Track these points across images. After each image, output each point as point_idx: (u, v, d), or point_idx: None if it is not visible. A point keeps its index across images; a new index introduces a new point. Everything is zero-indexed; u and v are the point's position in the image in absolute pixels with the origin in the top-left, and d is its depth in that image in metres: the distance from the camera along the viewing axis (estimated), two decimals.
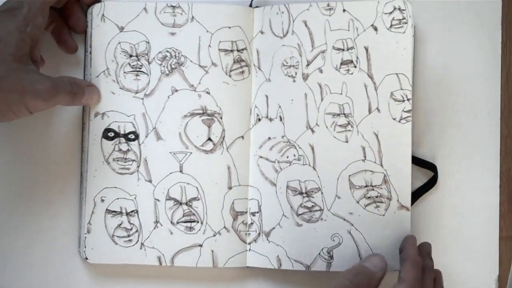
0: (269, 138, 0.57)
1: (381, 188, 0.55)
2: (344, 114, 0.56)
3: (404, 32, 0.55)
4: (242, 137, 0.57)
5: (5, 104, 0.49)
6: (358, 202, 0.55)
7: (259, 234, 0.57)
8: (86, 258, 0.56)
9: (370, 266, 0.50)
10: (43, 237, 0.58)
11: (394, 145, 0.55)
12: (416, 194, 0.58)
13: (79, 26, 0.57)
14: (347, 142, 0.56)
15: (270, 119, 0.57)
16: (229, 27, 0.57)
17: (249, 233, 0.57)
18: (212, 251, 0.56)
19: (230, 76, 0.57)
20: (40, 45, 0.53)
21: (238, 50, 0.57)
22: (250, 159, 0.58)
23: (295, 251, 0.56)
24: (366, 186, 0.55)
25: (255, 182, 0.57)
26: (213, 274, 0.59)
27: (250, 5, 0.58)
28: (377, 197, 0.55)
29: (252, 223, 0.57)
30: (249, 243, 0.57)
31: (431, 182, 0.59)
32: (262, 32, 0.58)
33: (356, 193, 0.55)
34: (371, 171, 0.55)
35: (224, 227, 0.57)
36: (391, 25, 0.55)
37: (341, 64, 0.56)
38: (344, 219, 0.55)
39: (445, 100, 0.59)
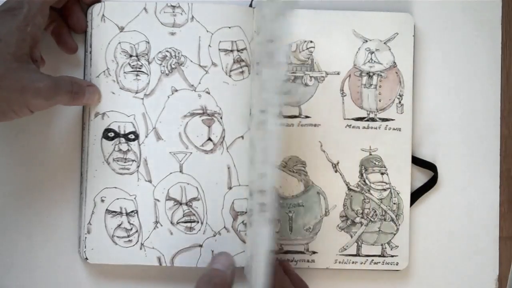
0: None
1: None
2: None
3: None
4: (242, 137, 0.57)
5: (6, 103, 0.49)
6: None
7: None
8: (86, 259, 0.56)
9: (220, 266, 0.51)
10: (43, 237, 0.58)
11: None
12: (416, 194, 0.59)
13: (79, 26, 0.57)
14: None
15: None
16: (229, 27, 0.57)
17: None
18: (212, 251, 0.56)
19: (230, 76, 0.57)
20: (40, 45, 0.53)
21: (238, 50, 0.57)
22: None
23: None
24: None
25: None
26: None
27: (250, 5, 0.58)
28: None
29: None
30: None
31: (431, 182, 0.59)
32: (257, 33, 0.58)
33: None
34: None
35: (224, 227, 0.57)
36: None
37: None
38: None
39: (445, 100, 0.59)
